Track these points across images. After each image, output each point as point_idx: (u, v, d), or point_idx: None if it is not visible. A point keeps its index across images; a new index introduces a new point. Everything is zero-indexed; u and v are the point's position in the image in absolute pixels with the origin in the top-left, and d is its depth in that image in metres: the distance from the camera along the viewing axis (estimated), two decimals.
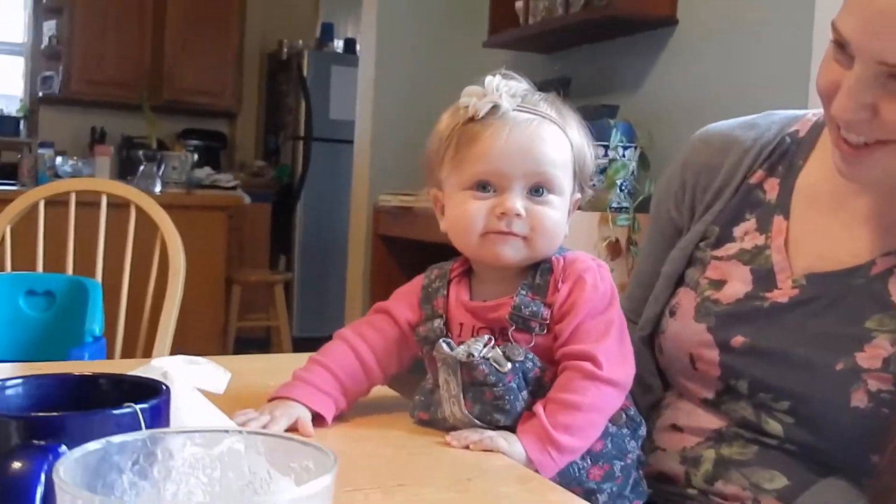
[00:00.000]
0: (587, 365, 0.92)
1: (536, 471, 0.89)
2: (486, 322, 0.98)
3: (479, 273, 1.01)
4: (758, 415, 1.03)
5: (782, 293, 1.04)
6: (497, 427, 0.93)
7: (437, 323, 1.00)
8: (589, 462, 0.93)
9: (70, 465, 0.38)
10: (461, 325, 0.99)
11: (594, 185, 1.07)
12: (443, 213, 1.02)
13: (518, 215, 0.95)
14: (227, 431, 0.44)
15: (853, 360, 0.96)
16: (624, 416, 0.97)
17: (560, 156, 0.97)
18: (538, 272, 0.98)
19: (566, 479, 0.91)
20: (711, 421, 1.07)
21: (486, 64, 2.74)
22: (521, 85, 0.99)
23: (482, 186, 0.96)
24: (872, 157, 0.93)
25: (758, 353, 1.03)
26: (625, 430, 0.97)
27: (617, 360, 0.94)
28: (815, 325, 1.00)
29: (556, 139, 0.97)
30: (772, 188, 1.11)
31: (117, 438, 0.41)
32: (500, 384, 0.92)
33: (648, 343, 1.16)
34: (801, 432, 1.00)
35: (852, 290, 1.00)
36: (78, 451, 0.39)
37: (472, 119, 0.96)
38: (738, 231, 1.11)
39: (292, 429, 0.94)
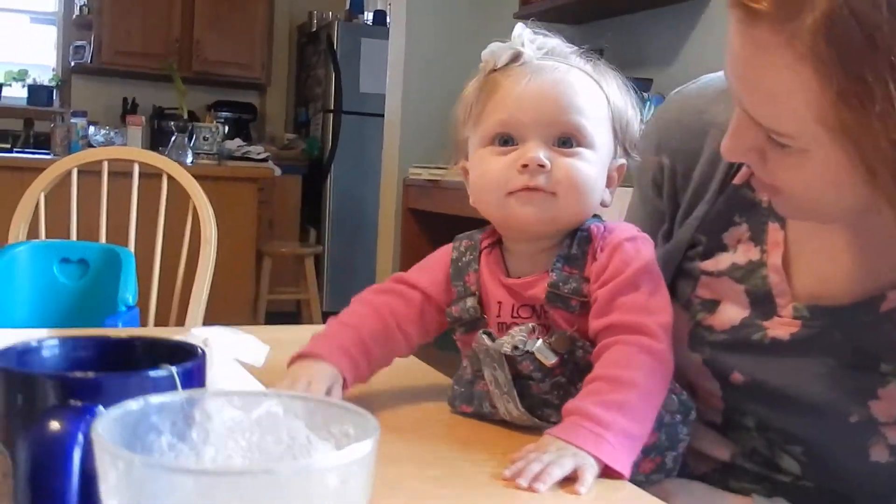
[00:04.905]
0: (643, 339, 0.83)
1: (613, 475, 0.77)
2: (524, 300, 0.90)
3: (510, 246, 0.94)
4: (771, 449, 0.94)
5: (782, 324, 0.91)
6: (550, 422, 0.86)
7: (471, 302, 0.93)
8: (641, 455, 0.83)
9: (109, 424, 0.37)
10: (499, 303, 0.91)
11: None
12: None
13: (541, 166, 0.86)
14: (265, 394, 0.43)
15: (867, 410, 0.86)
16: (676, 400, 0.88)
17: (591, 107, 0.89)
18: (574, 242, 0.89)
19: None
20: (719, 447, 0.97)
21: None
22: (550, 39, 0.92)
23: (503, 140, 0.89)
24: (783, 199, 0.83)
25: (760, 391, 0.92)
26: (678, 417, 0.88)
27: (669, 335, 0.85)
28: (821, 366, 0.88)
29: (585, 88, 0.89)
30: None
31: (156, 399, 0.41)
32: (547, 379, 0.86)
33: None
34: (818, 474, 0.91)
35: (861, 329, 0.87)
36: (117, 410, 0.39)
37: (493, 71, 0.90)
38: (728, 238, 0.97)
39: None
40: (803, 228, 0.92)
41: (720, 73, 0.99)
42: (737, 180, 0.96)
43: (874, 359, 0.86)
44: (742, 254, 0.95)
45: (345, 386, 0.92)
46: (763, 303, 0.93)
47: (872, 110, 0.66)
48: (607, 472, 0.77)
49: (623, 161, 0.94)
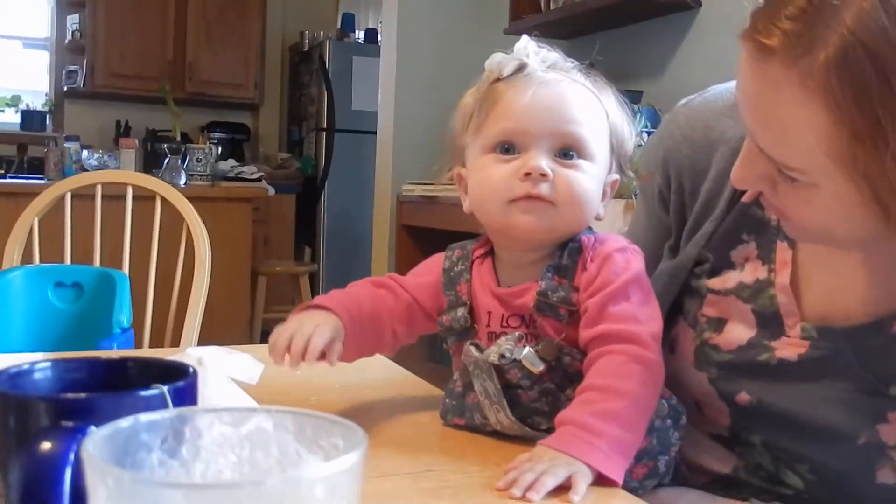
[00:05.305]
0: (634, 348, 0.83)
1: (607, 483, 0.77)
2: (513, 309, 0.91)
3: (502, 255, 0.94)
4: (776, 465, 0.93)
5: (790, 344, 0.90)
6: (540, 430, 0.87)
7: (462, 312, 0.93)
8: (633, 460, 0.83)
9: (99, 442, 0.38)
10: (489, 313, 0.92)
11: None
12: (466, 191, 0.96)
13: (544, 175, 0.87)
14: (254, 410, 0.44)
15: (876, 434, 0.85)
16: (666, 406, 0.89)
17: (591, 120, 0.90)
18: (565, 252, 0.90)
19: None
20: (721, 460, 0.97)
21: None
22: (552, 53, 0.93)
23: (506, 148, 0.89)
24: (792, 225, 0.83)
25: (767, 412, 0.91)
26: (668, 422, 0.89)
27: (659, 344, 0.86)
28: (830, 389, 0.88)
29: (587, 102, 0.91)
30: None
31: (146, 416, 0.41)
32: (535, 387, 0.87)
33: None
34: (823, 492, 0.91)
35: (871, 352, 0.86)
36: (107, 429, 0.39)
37: (497, 80, 0.91)
38: (736, 256, 0.96)
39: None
40: (813, 248, 0.91)
41: (728, 85, 0.99)
42: (745, 198, 0.95)
43: (884, 382, 0.85)
44: (750, 272, 0.94)
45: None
46: (771, 323, 0.92)
47: (886, 151, 0.66)
48: (601, 481, 0.78)
49: (616, 176, 0.95)
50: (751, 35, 0.71)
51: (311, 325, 0.89)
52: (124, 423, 0.40)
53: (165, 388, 0.52)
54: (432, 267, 0.99)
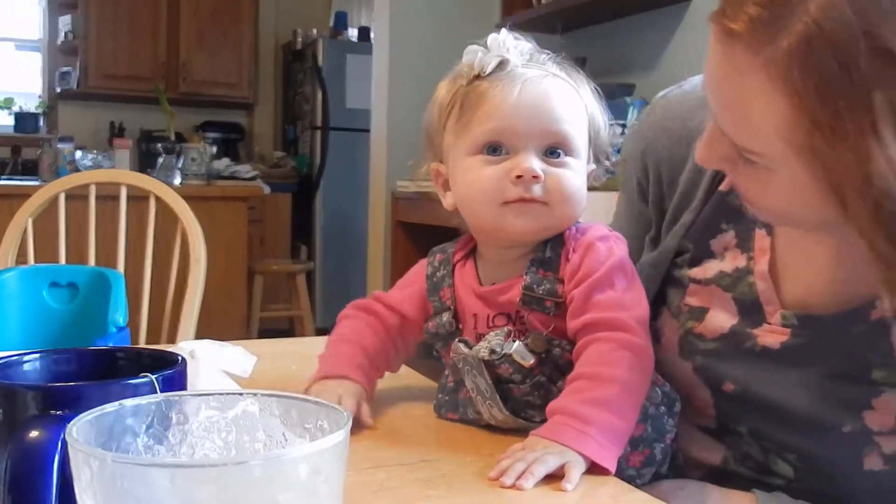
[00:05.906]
0: (621, 335, 0.84)
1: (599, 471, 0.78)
2: (498, 307, 0.91)
3: (485, 254, 0.94)
4: (765, 454, 0.93)
5: (772, 331, 0.90)
6: (534, 422, 0.86)
7: (446, 317, 0.94)
8: (629, 448, 0.84)
9: (84, 426, 0.38)
10: (475, 315, 0.92)
11: (609, 161, 0.97)
12: (445, 188, 0.95)
13: (536, 177, 0.87)
14: (241, 394, 0.44)
15: (862, 421, 0.85)
16: (660, 392, 0.90)
17: (575, 116, 0.90)
18: (548, 246, 0.90)
19: None
20: (710, 451, 0.97)
21: None
22: (527, 43, 0.92)
23: (493, 149, 0.88)
24: (754, 207, 0.82)
25: (753, 401, 0.91)
26: (662, 409, 0.89)
27: (646, 329, 0.86)
28: (813, 377, 0.88)
29: (569, 98, 0.90)
30: None
31: (131, 401, 0.41)
32: (527, 380, 0.87)
33: None
34: (813, 480, 0.90)
35: (852, 339, 0.86)
36: (91, 414, 0.39)
37: (477, 77, 0.90)
38: (716, 245, 0.96)
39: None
40: (791, 236, 0.91)
41: None
42: (723, 187, 0.95)
43: (866, 368, 0.85)
44: (729, 261, 0.95)
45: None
46: (751, 311, 0.92)
47: (845, 142, 0.65)
48: (594, 469, 0.78)
49: (593, 166, 0.94)
50: (718, 18, 0.71)
51: (334, 399, 0.89)
52: (109, 408, 0.40)
53: (154, 377, 0.52)
54: (415, 276, 0.99)
